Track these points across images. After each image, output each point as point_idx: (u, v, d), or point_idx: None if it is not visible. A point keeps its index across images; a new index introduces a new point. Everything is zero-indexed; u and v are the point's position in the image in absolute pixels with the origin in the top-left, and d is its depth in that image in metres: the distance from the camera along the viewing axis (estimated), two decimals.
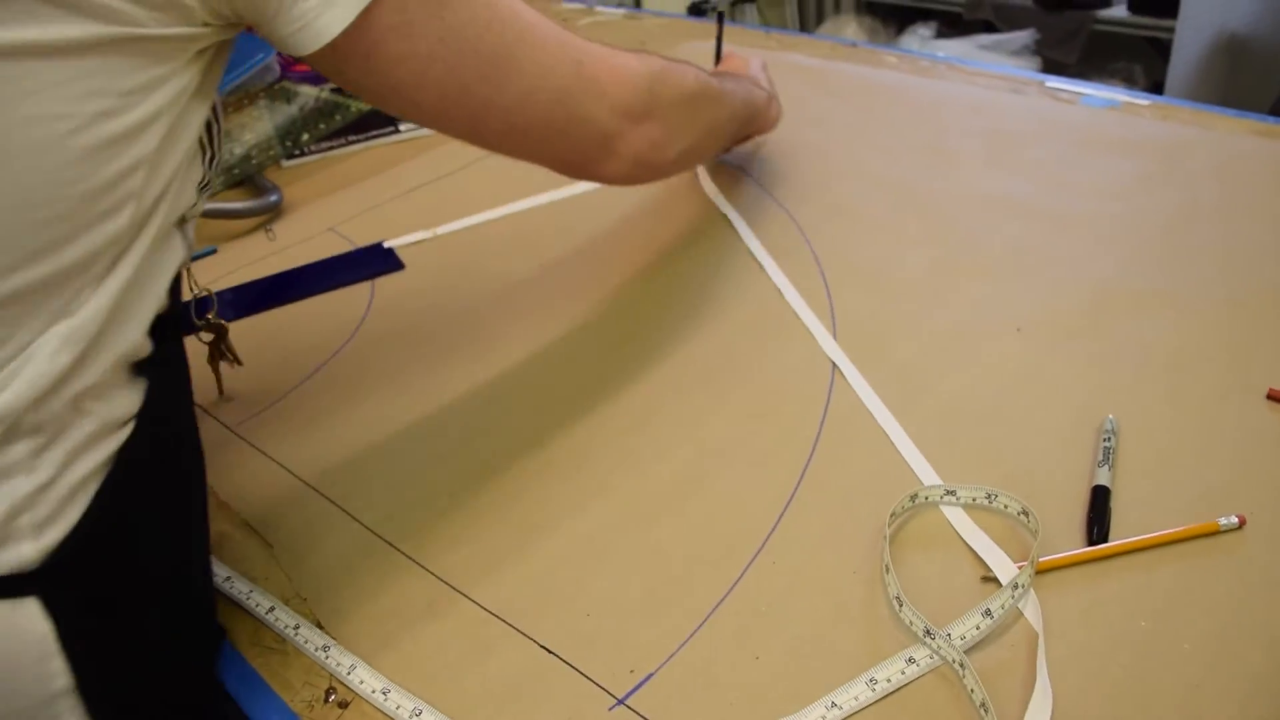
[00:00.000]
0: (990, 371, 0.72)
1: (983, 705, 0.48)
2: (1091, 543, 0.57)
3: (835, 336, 0.77)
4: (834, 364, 0.74)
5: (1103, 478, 0.61)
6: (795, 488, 0.63)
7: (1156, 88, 2.12)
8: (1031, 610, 0.53)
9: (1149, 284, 0.79)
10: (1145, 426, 0.65)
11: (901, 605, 0.54)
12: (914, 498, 0.61)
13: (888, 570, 0.56)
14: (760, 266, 0.86)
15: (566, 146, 0.65)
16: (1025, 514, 0.59)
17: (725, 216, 0.94)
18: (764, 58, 1.05)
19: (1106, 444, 0.63)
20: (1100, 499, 0.60)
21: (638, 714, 0.51)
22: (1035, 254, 0.84)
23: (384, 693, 0.53)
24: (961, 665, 0.50)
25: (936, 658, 0.51)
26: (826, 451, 0.66)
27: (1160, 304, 0.76)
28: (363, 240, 0.98)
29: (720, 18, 1.17)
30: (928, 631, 0.52)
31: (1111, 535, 0.58)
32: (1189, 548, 0.57)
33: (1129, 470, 0.62)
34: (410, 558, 0.62)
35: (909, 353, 0.74)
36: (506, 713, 0.52)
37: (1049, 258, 0.84)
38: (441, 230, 0.98)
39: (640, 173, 0.72)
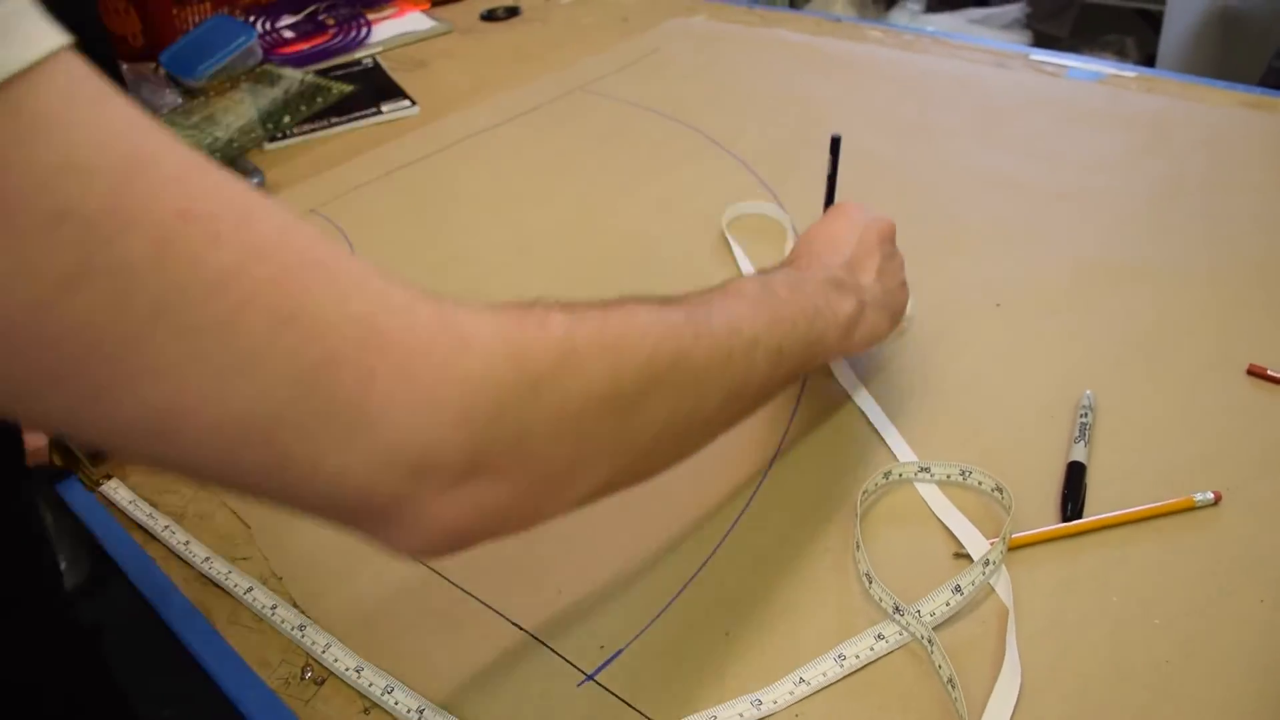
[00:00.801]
0: (968, 347, 0.71)
1: (950, 681, 0.48)
2: (1066, 519, 0.57)
3: None
4: None
5: (1078, 454, 0.61)
6: (769, 465, 0.63)
7: (1149, 60, 2.10)
8: (1003, 587, 0.53)
9: (1132, 258, 0.78)
10: (1124, 402, 0.65)
11: (871, 582, 0.54)
12: (887, 475, 0.61)
13: (858, 547, 0.56)
14: (729, 247, 0.86)
15: (288, 496, 0.34)
16: (999, 490, 0.59)
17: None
18: (875, 212, 0.67)
19: (1083, 420, 0.63)
20: (1075, 475, 0.60)
21: (607, 689, 0.51)
22: (1017, 229, 0.84)
23: (357, 670, 0.53)
24: (930, 641, 0.50)
25: (906, 634, 0.51)
26: (801, 428, 0.66)
27: (1142, 279, 0.76)
28: (346, 222, 0.98)
29: (835, 146, 0.72)
30: (896, 608, 0.52)
31: (1086, 511, 0.58)
32: (1164, 524, 0.57)
33: (1106, 446, 0.62)
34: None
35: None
36: (476, 689, 0.52)
37: (1031, 232, 0.83)
38: None
39: (474, 540, 0.38)
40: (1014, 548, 0.56)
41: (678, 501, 0.62)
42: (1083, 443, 0.62)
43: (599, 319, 0.40)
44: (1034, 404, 0.66)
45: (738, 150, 1.02)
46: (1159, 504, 0.57)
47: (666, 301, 0.45)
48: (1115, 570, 0.54)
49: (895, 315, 0.63)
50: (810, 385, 0.69)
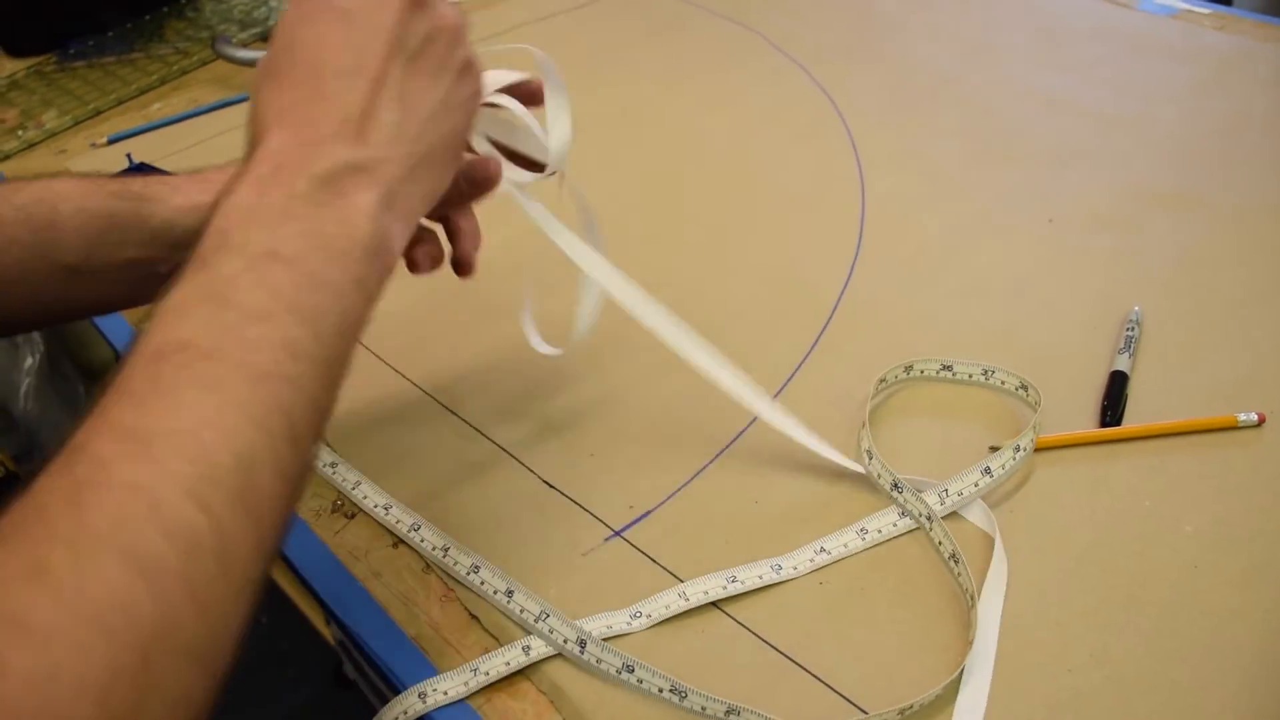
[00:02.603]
0: (1018, 257, 0.71)
1: (952, 557, 0.49)
2: (1104, 425, 0.57)
3: (864, 212, 0.76)
4: (860, 236, 0.73)
5: (1122, 364, 0.60)
6: (810, 349, 0.63)
7: None
8: (977, 513, 0.53)
9: (1189, 187, 0.77)
10: (1171, 322, 0.64)
11: (871, 458, 0.54)
12: (908, 369, 0.60)
13: (864, 425, 0.56)
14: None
15: None
16: (1024, 388, 0.58)
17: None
18: None
19: (1130, 333, 0.62)
20: (1117, 384, 0.59)
21: (634, 545, 0.51)
22: (1075, 150, 0.82)
23: (385, 508, 0.53)
24: (929, 519, 0.51)
25: (940, 509, 0.52)
26: (844, 319, 0.66)
27: (1199, 207, 0.74)
28: None
29: None
30: (896, 484, 0.52)
31: (1125, 422, 0.57)
32: (1204, 440, 0.56)
33: (1150, 361, 0.61)
34: (421, 388, 0.62)
35: (936, 233, 0.73)
36: (502, 534, 0.52)
37: (1089, 154, 0.82)
38: None
39: None
40: (1050, 448, 0.55)
41: (710, 391, 0.61)
42: (1127, 354, 0.61)
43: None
44: (1080, 316, 0.65)
45: (793, 52, 1.00)
46: (1201, 418, 0.57)
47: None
48: (1151, 478, 0.54)
49: (449, 153, 0.42)
50: (854, 280, 0.69)
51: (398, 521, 0.53)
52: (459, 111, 0.42)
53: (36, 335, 1.72)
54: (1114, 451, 0.55)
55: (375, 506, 0.53)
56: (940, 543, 0.50)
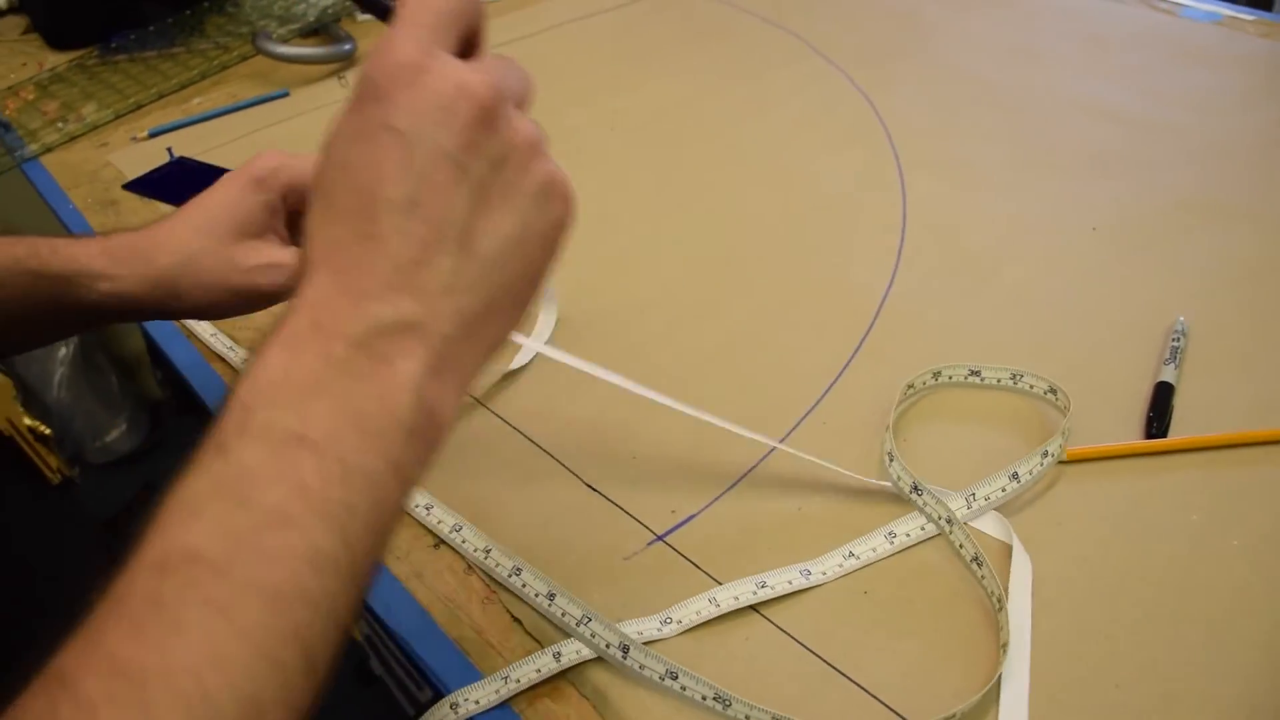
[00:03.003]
0: (1061, 266, 0.70)
1: (975, 559, 0.49)
2: (1150, 436, 0.56)
3: (906, 218, 0.75)
4: (901, 243, 0.72)
5: (1168, 375, 0.60)
6: (852, 355, 0.63)
7: (1268, 4, 2.02)
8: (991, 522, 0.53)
9: (1236, 198, 0.76)
10: (1216, 333, 0.63)
11: (892, 460, 0.54)
12: (936, 374, 0.60)
13: (888, 429, 0.56)
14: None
15: None
16: (1053, 392, 0.58)
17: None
18: None
19: (1175, 344, 0.62)
20: (1163, 395, 0.58)
21: (675, 549, 0.51)
22: (1119, 158, 0.82)
23: (427, 508, 0.53)
24: (948, 521, 0.51)
25: (965, 514, 0.51)
26: (886, 325, 0.65)
27: (1245, 219, 0.73)
28: None
29: None
30: (915, 487, 0.52)
31: (1171, 434, 0.57)
32: (1252, 453, 0.55)
33: (1195, 373, 0.60)
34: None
35: (979, 240, 0.73)
36: (547, 536, 0.52)
37: (1133, 163, 0.81)
38: None
39: None
40: (1095, 459, 0.55)
41: (759, 380, 0.61)
42: (1173, 365, 0.60)
43: None
44: (1124, 326, 0.64)
45: (834, 56, 0.99)
46: (1249, 431, 0.56)
47: None
48: (1197, 491, 0.53)
49: (520, 297, 0.36)
50: (896, 286, 0.68)
51: (439, 522, 0.53)
52: (536, 244, 0.35)
53: None
54: (1160, 464, 0.55)
55: (417, 506, 0.54)
56: (961, 546, 0.50)
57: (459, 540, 0.52)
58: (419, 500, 0.54)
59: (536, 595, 0.48)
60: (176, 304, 0.52)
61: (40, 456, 0.44)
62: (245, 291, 0.51)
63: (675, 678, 0.44)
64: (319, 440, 0.30)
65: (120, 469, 1.79)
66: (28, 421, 0.44)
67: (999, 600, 0.47)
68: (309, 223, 0.34)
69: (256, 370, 0.31)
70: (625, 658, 0.45)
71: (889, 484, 0.53)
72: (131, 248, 0.51)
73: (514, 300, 0.35)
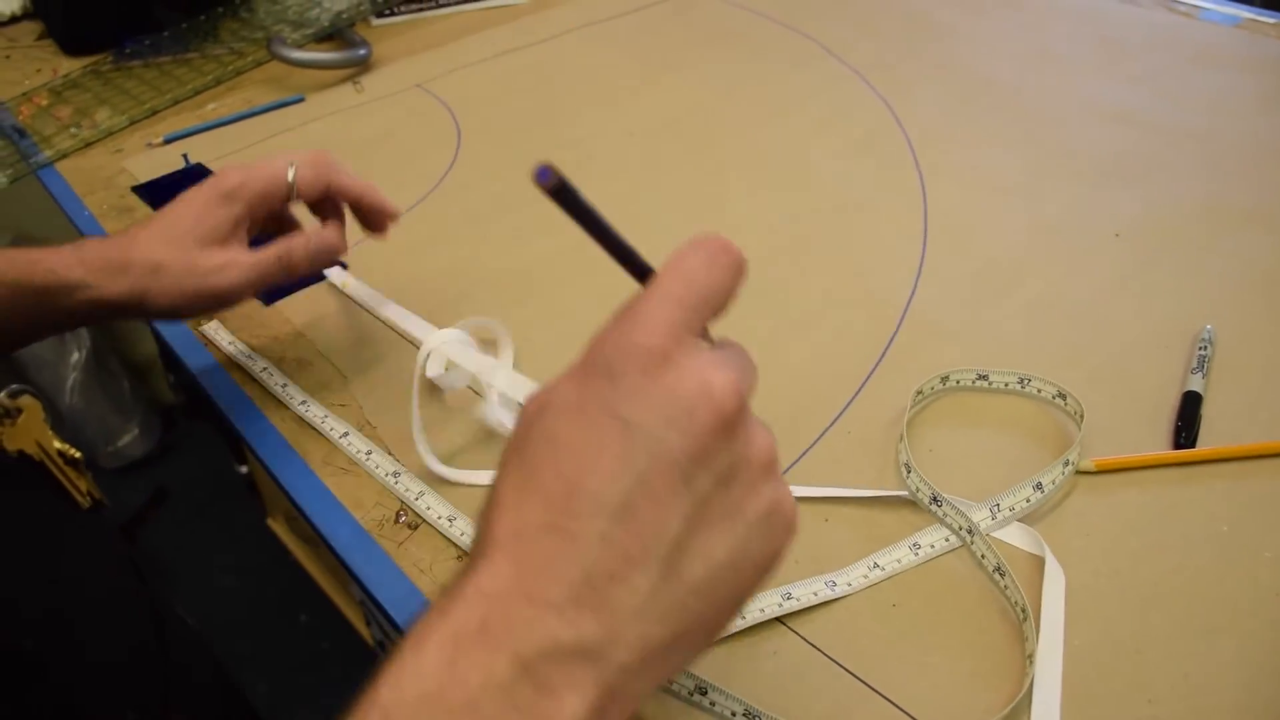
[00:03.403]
0: (1085, 273, 0.69)
1: (997, 569, 0.48)
2: (1178, 447, 0.56)
3: (926, 225, 0.75)
4: (923, 250, 0.72)
5: (1195, 384, 0.59)
6: (875, 364, 0.62)
7: None
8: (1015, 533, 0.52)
9: (1258, 202, 0.75)
10: (1244, 340, 0.63)
11: (909, 472, 0.53)
12: (944, 379, 0.60)
13: (901, 439, 0.55)
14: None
15: None
16: (1061, 397, 0.58)
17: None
18: None
19: (1202, 352, 0.61)
20: (1191, 404, 0.58)
21: None
22: (1140, 163, 0.81)
23: (450, 519, 0.53)
24: (969, 532, 0.50)
25: (989, 525, 0.51)
26: (909, 333, 0.65)
27: (1270, 225, 0.73)
28: (453, 100, 0.97)
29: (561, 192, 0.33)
30: (934, 498, 0.52)
31: (1200, 444, 0.56)
32: None
33: (1223, 381, 0.60)
34: (479, 393, 0.62)
35: (1001, 247, 0.72)
36: None
37: (1155, 168, 0.80)
38: None
39: None
40: (1123, 469, 0.54)
41: (782, 390, 0.61)
42: (1200, 374, 0.60)
43: None
44: (1149, 334, 0.64)
45: (850, 60, 0.99)
46: (1279, 441, 0.55)
47: None
48: (1227, 502, 0.52)
49: (712, 629, 0.32)
50: (919, 296, 0.68)
51: (462, 534, 0.52)
52: (748, 574, 0.31)
53: (84, 331, 1.74)
54: (1189, 474, 0.54)
55: (439, 518, 0.53)
56: (983, 556, 0.49)
57: None
58: (441, 512, 0.53)
59: None
60: (147, 308, 0.55)
61: (70, 481, 0.45)
62: (205, 293, 0.55)
63: (705, 693, 0.43)
64: None
65: (132, 474, 1.80)
66: (58, 445, 0.45)
67: (1023, 611, 0.46)
68: (500, 483, 0.31)
69: (408, 668, 0.28)
70: None
71: (909, 495, 0.53)
72: (105, 259, 0.55)
73: (705, 631, 0.31)
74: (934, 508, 0.52)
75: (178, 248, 0.55)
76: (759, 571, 0.32)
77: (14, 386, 0.47)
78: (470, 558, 0.31)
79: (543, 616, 0.28)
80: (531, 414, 0.31)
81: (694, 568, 0.30)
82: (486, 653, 0.27)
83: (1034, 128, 0.87)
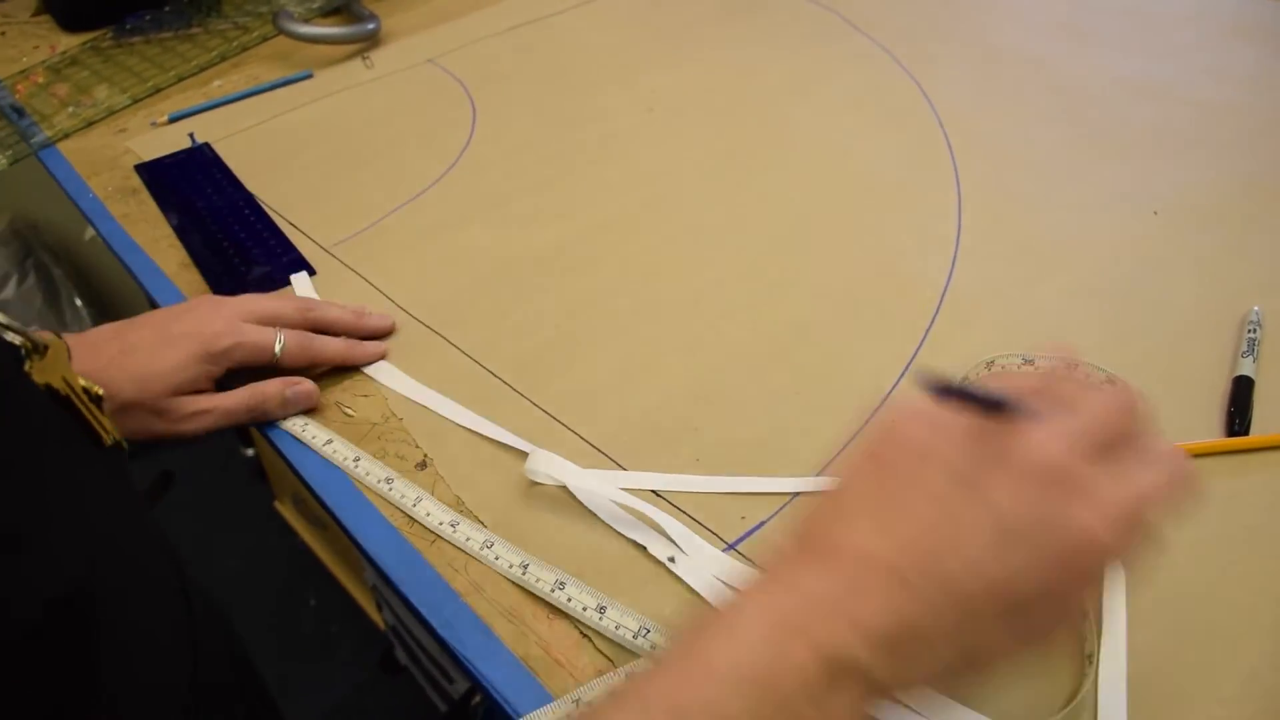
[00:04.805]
0: (1124, 252, 0.67)
1: None
2: (1232, 434, 0.54)
3: (961, 203, 0.73)
4: (958, 231, 0.70)
5: (1246, 368, 0.57)
6: (916, 349, 0.60)
7: None
8: None
9: None
10: None
11: None
12: (989, 364, 0.58)
13: None
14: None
15: None
16: (1111, 382, 0.55)
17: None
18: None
19: (1251, 335, 0.59)
20: (1243, 389, 0.56)
21: (745, 558, 0.49)
22: (1178, 139, 0.79)
23: (453, 525, 0.51)
24: None
25: None
26: (948, 317, 0.63)
27: None
28: (466, 75, 0.94)
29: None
30: None
31: (1254, 430, 0.54)
32: None
33: (1274, 364, 0.58)
34: (509, 384, 0.60)
35: (1037, 226, 0.70)
36: (612, 554, 0.50)
37: (1193, 144, 0.78)
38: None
39: None
40: None
41: (820, 380, 0.59)
42: (1250, 358, 0.58)
43: None
44: (1194, 316, 0.62)
45: (875, 34, 0.96)
46: None
47: None
48: None
49: (987, 669, 0.34)
50: (955, 280, 0.66)
51: (468, 539, 0.50)
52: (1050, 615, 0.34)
53: (86, 313, 1.72)
54: (1245, 462, 0.53)
55: (440, 524, 0.51)
56: None
57: (491, 558, 0.49)
58: (442, 519, 0.52)
59: (585, 609, 0.46)
60: None
61: (95, 417, 0.45)
62: (170, 436, 0.56)
63: None
64: None
65: (138, 457, 1.78)
66: (83, 382, 0.45)
67: (1082, 610, 0.45)
68: (852, 491, 0.34)
69: (723, 634, 0.31)
70: None
71: None
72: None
73: (979, 670, 0.34)
74: None
75: (149, 394, 0.55)
76: (1059, 616, 0.35)
77: (36, 326, 0.46)
78: (794, 539, 0.34)
79: (852, 644, 0.30)
80: (907, 438, 0.34)
81: (987, 659, 0.33)
82: (803, 648, 0.30)
83: (1066, 103, 0.84)
